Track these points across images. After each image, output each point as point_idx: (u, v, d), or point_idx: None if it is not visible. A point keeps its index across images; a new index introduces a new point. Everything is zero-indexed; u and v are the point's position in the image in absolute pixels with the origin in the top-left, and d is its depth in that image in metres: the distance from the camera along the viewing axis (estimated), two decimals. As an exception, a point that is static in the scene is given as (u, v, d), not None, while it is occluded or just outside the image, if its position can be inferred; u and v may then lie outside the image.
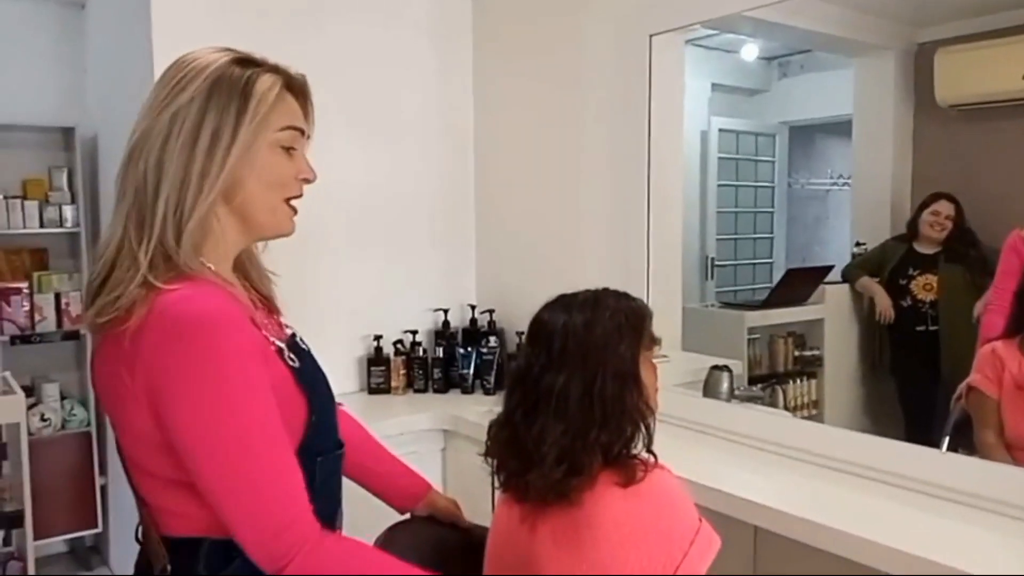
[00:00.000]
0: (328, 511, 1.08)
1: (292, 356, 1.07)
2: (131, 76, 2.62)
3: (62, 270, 3.39)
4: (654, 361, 1.29)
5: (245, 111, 1.02)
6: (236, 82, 1.03)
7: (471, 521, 1.49)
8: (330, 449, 1.12)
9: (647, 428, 1.21)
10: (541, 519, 1.20)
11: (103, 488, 3.38)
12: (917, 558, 1.36)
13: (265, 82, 1.05)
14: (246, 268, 1.17)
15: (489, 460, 1.28)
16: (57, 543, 3.42)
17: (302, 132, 1.11)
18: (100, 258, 1.03)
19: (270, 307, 1.19)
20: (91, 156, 3.39)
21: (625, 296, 1.29)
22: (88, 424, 3.38)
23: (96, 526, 3.37)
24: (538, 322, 1.27)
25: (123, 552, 3.27)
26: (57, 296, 3.31)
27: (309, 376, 1.08)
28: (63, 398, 3.40)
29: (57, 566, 3.46)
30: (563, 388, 1.17)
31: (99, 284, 1.00)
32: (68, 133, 3.32)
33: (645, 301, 1.31)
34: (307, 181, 1.11)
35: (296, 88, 1.11)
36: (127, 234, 1.00)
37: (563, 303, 1.27)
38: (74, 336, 3.35)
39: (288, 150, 1.08)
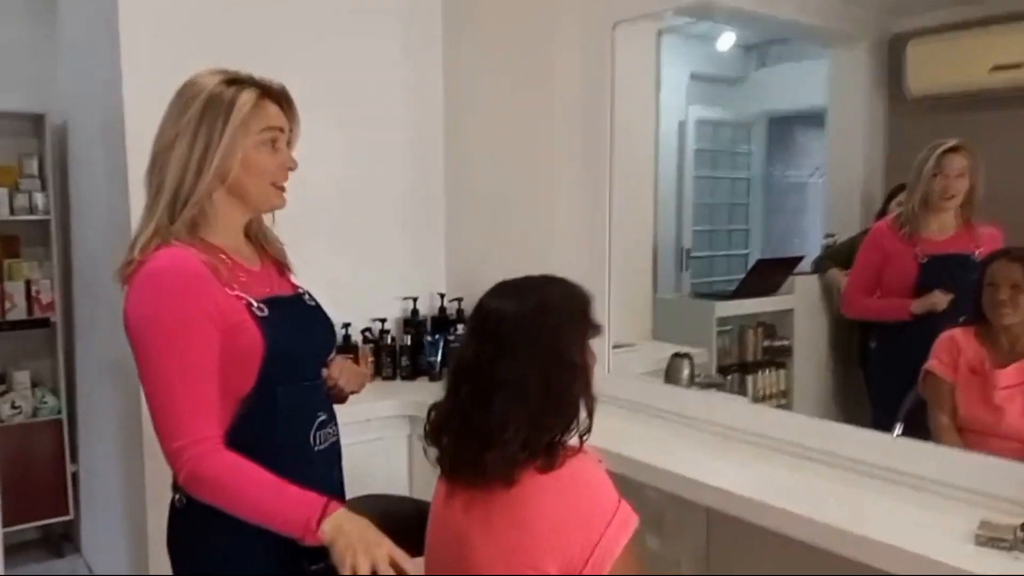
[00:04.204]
0: (301, 431, 1.38)
1: (261, 306, 1.33)
2: (101, 64, 2.62)
3: (32, 257, 3.38)
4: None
5: (228, 122, 1.32)
6: (222, 100, 1.33)
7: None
8: (295, 381, 1.37)
9: (590, 415, 1.24)
10: (479, 506, 1.22)
11: (74, 475, 3.38)
12: (862, 537, 1.39)
13: (244, 97, 1.34)
14: (259, 237, 1.49)
15: (429, 445, 1.30)
16: (28, 530, 3.41)
17: (282, 130, 1.39)
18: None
19: (280, 267, 1.51)
20: (62, 143, 3.38)
21: (567, 283, 1.30)
22: (59, 412, 3.38)
23: (67, 513, 3.37)
24: (483, 310, 1.27)
25: (95, 538, 3.28)
26: (28, 283, 3.31)
27: (275, 322, 1.33)
28: (34, 385, 3.40)
29: (28, 553, 3.45)
30: (521, 376, 1.19)
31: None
32: (38, 120, 3.31)
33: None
34: (290, 169, 1.41)
35: (275, 95, 1.40)
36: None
37: (509, 291, 1.28)
38: (44, 324, 3.34)
39: (272, 144, 1.37)
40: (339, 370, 1.53)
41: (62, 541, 3.52)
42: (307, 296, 1.53)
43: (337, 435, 1.48)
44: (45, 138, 3.28)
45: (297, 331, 1.40)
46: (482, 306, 1.28)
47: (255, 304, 1.33)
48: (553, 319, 1.23)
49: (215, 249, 1.36)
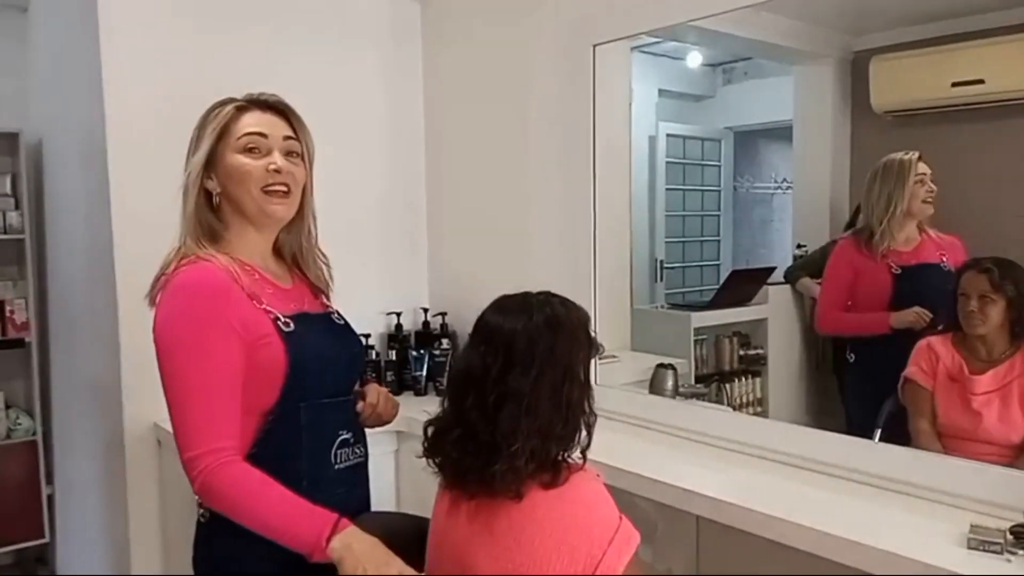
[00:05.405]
0: (321, 448, 1.39)
1: (287, 321, 1.35)
2: (78, 80, 2.60)
3: (6, 277, 3.33)
4: (607, 362, 1.36)
5: (204, 134, 1.38)
6: (205, 117, 1.41)
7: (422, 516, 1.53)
8: (316, 397, 1.38)
9: (589, 433, 1.27)
10: (483, 519, 1.24)
11: (50, 497, 3.33)
12: (855, 543, 1.42)
13: (220, 109, 1.39)
14: (298, 257, 1.52)
15: (430, 460, 1.31)
16: (3, 554, 3.35)
17: (264, 135, 1.39)
18: None
19: (314, 289, 1.52)
20: (36, 161, 3.34)
21: (569, 301, 1.33)
22: (34, 433, 3.33)
23: (43, 536, 3.31)
24: (490, 325, 1.28)
25: (71, 561, 3.22)
26: (1, 304, 3.26)
27: (300, 338, 1.35)
28: (8, 407, 3.35)
29: (2, 577, 3.40)
30: (531, 388, 1.21)
31: None
32: (12, 138, 3.27)
33: (592, 303, 1.36)
34: (276, 171, 1.39)
35: (263, 105, 1.42)
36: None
37: (514, 306, 1.29)
38: (19, 344, 3.29)
39: (251, 151, 1.38)
40: (376, 396, 1.54)
41: (37, 565, 3.46)
42: (336, 315, 1.54)
43: (364, 456, 1.49)
44: (20, 156, 3.24)
45: (321, 348, 1.42)
46: (488, 322, 1.29)
47: (281, 318, 1.35)
48: (563, 335, 1.26)
49: (242, 263, 1.39)
